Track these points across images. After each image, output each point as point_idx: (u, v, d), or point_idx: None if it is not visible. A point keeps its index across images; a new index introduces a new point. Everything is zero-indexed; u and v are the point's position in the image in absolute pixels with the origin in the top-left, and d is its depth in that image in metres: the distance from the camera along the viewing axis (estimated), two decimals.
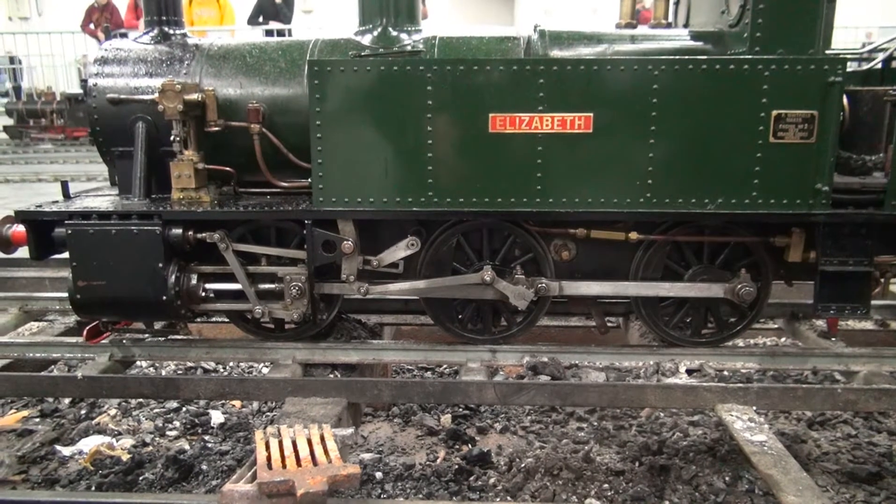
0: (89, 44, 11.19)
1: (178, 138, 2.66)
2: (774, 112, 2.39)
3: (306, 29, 11.18)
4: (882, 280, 2.70)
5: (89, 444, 2.89)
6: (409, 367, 3.65)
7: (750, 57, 2.43)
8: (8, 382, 2.71)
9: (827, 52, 2.51)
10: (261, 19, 10.14)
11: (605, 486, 2.59)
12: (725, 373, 2.91)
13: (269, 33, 9.27)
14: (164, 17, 2.94)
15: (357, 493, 2.30)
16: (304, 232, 2.65)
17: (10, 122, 12.47)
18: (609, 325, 3.12)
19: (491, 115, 2.48)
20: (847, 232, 2.53)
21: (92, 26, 10.56)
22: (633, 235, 2.66)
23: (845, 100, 2.51)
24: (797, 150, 2.42)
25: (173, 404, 3.30)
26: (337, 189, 2.58)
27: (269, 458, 2.01)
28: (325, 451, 2.04)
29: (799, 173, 2.44)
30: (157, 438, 3.03)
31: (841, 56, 2.44)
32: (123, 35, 3.16)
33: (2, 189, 8.80)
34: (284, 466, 1.97)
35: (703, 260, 2.75)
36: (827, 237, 2.54)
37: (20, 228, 2.72)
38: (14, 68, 12.41)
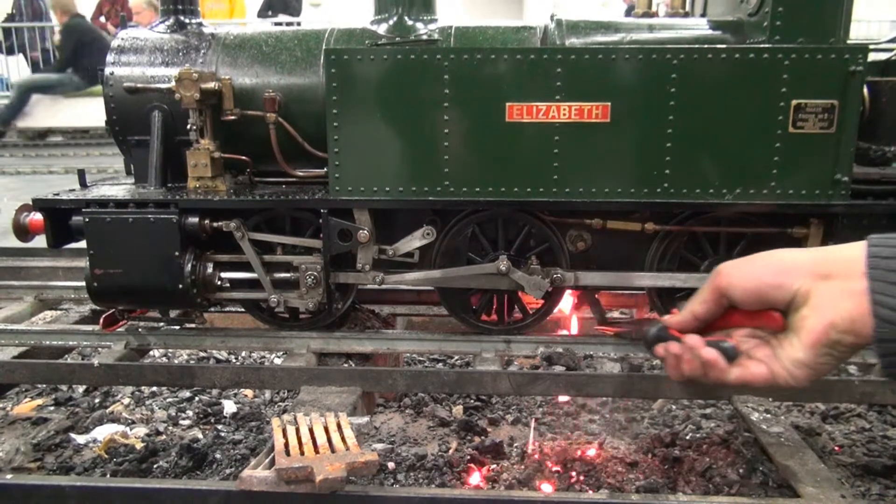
0: None
1: (194, 127, 2.66)
2: (794, 101, 2.37)
3: (315, 22, 11.19)
4: None
5: (103, 432, 2.90)
6: (420, 359, 3.66)
7: (770, 46, 2.41)
8: (26, 369, 2.73)
9: (848, 41, 2.49)
10: (270, 13, 10.17)
11: (618, 477, 2.58)
12: None
13: (278, 26, 9.31)
14: (179, 6, 2.94)
15: (371, 482, 2.30)
16: (320, 221, 2.65)
17: None
18: (623, 316, 3.12)
19: (507, 104, 2.47)
20: (866, 223, 2.51)
21: (102, 19, 10.60)
22: (650, 226, 2.65)
23: (865, 90, 2.49)
24: (817, 140, 2.40)
25: (186, 394, 3.31)
26: (353, 178, 2.58)
27: (286, 445, 2.02)
28: (343, 439, 2.04)
29: (818, 163, 2.43)
30: (170, 427, 3.03)
31: (862, 45, 2.42)
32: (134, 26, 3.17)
33: (14, 181, 8.85)
34: (302, 453, 1.98)
35: (720, 251, 2.74)
36: (846, 228, 2.52)
37: (37, 216, 2.74)
38: None
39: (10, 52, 11.74)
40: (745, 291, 0.99)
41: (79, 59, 10.35)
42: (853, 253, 0.91)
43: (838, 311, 0.90)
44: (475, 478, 2.50)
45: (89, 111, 10.75)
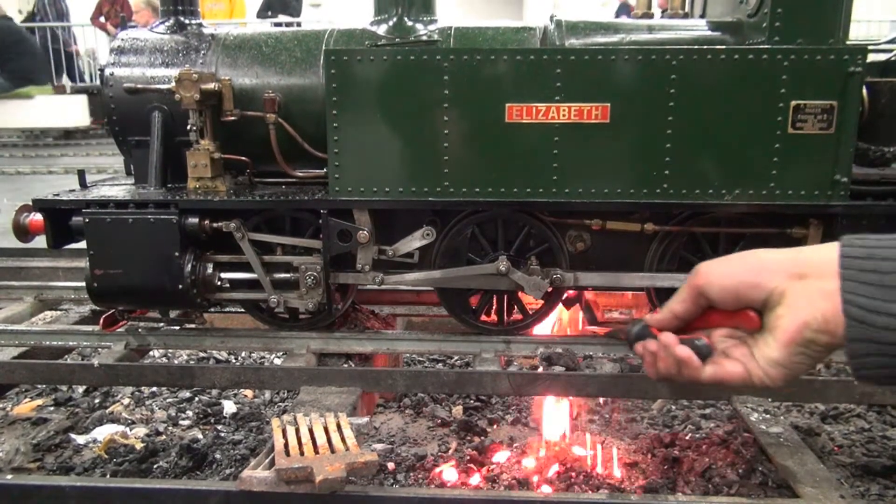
0: (99, 36, 11.25)
1: (194, 128, 2.67)
2: (793, 102, 2.37)
3: (315, 23, 11.21)
4: None
5: (103, 432, 2.91)
6: (420, 359, 3.66)
7: (769, 47, 2.42)
8: (25, 370, 2.73)
9: (847, 42, 2.49)
10: (269, 13, 10.18)
11: (618, 477, 2.58)
12: None
13: (278, 26, 9.33)
14: (179, 7, 2.95)
15: (370, 483, 2.30)
16: (320, 221, 2.65)
17: None
18: (622, 316, 3.12)
19: (507, 104, 2.47)
20: (866, 224, 2.52)
21: (102, 19, 10.61)
22: (649, 226, 2.65)
23: (865, 90, 2.50)
24: (816, 140, 2.41)
25: (186, 394, 3.31)
26: (352, 178, 2.59)
27: (286, 446, 2.02)
28: (342, 439, 2.05)
29: (817, 164, 2.43)
30: (170, 427, 3.04)
31: (861, 45, 2.43)
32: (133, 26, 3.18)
33: (14, 181, 8.86)
34: (302, 453, 1.98)
35: (720, 251, 2.74)
36: (845, 229, 2.52)
37: (37, 217, 2.74)
38: None
39: None
40: (723, 290, 1.00)
41: (3, 61, 10.35)
42: (827, 253, 0.91)
43: (812, 311, 0.90)
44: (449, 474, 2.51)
45: (16, 112, 10.75)
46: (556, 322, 3.18)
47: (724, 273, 1.00)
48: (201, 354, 3.67)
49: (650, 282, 2.75)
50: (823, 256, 0.91)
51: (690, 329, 1.08)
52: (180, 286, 2.66)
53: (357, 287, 2.90)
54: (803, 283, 0.92)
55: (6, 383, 2.91)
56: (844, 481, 2.55)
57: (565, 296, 2.96)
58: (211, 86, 2.63)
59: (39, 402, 3.22)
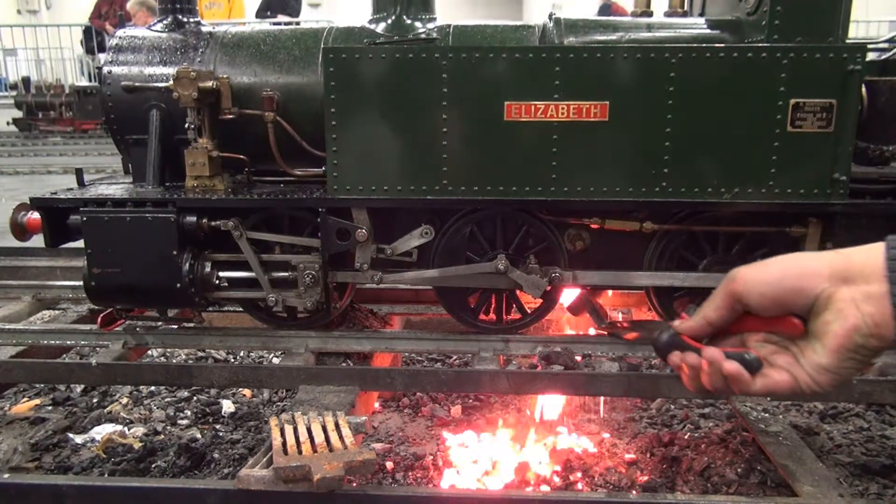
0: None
1: (192, 126, 2.66)
2: (792, 101, 2.37)
3: (315, 23, 11.18)
4: None
5: (101, 432, 2.90)
6: (419, 358, 3.66)
7: (768, 45, 2.41)
8: (23, 369, 2.73)
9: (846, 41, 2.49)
10: (269, 13, 10.17)
11: (616, 476, 2.58)
12: None
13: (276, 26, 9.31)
14: (178, 5, 2.94)
15: (368, 482, 2.30)
16: (318, 220, 2.65)
17: (19, 114, 12.56)
18: (622, 314, 3.12)
19: (506, 103, 2.47)
20: (865, 222, 2.51)
21: (100, 19, 10.61)
22: (648, 225, 2.65)
23: (864, 89, 2.49)
24: (815, 139, 2.40)
25: (184, 393, 3.31)
26: (351, 177, 2.58)
27: (284, 444, 2.02)
28: (340, 438, 2.04)
29: (816, 163, 2.43)
30: (168, 427, 3.03)
31: (860, 44, 2.42)
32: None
33: (12, 181, 8.85)
34: (300, 452, 1.98)
35: (719, 250, 2.74)
36: (844, 227, 2.52)
37: (35, 216, 2.73)
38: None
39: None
40: (764, 297, 0.96)
41: None
42: (873, 255, 0.89)
43: (861, 316, 0.88)
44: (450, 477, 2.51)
45: None
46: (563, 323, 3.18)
47: (764, 279, 0.96)
48: (199, 353, 3.66)
49: (649, 280, 2.75)
50: (869, 258, 0.89)
51: (723, 334, 1.04)
52: (178, 285, 2.65)
53: (355, 286, 2.89)
54: (850, 287, 0.90)
55: (4, 382, 2.90)
56: (843, 480, 2.55)
57: (564, 305, 2.95)
58: (209, 84, 2.63)
59: (37, 401, 3.21)
